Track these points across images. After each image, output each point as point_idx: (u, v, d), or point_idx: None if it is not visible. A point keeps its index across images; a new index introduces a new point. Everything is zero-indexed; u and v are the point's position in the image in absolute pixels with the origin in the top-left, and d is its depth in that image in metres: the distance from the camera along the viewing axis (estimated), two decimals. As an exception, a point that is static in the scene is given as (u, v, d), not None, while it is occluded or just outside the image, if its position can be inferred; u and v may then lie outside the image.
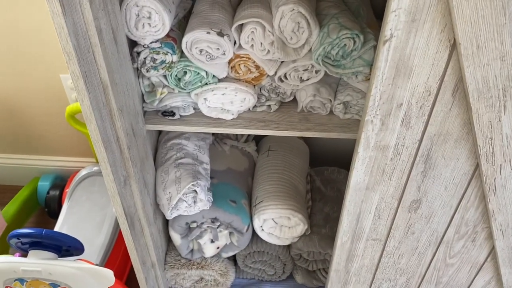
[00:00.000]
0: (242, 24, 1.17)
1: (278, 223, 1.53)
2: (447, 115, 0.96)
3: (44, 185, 2.06)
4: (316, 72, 1.24)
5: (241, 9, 1.20)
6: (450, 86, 0.91)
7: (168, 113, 1.29)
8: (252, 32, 1.16)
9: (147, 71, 1.19)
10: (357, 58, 1.17)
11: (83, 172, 1.89)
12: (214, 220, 1.50)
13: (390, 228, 1.21)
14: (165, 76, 1.24)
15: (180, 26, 1.24)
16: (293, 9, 1.11)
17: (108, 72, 0.99)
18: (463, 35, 0.81)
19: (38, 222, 2.08)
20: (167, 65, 1.18)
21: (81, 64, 0.89)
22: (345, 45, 1.14)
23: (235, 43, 1.19)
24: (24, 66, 1.80)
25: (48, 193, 2.02)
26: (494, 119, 0.93)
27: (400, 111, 0.96)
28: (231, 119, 1.31)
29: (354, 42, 1.13)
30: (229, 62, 1.23)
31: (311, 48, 1.18)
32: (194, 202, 1.43)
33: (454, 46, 0.85)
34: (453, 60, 0.87)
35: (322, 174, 1.77)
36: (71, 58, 0.87)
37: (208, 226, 1.51)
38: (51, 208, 2.01)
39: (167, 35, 1.17)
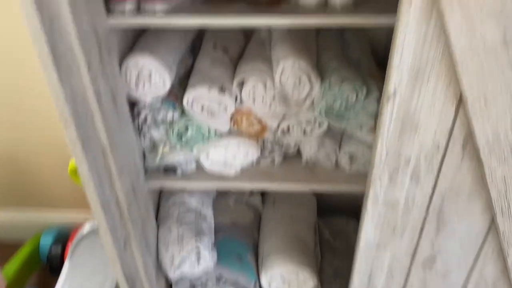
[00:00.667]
0: (243, 80, 1.16)
1: (286, 280, 1.46)
2: (458, 170, 0.92)
3: (46, 241, 2.00)
4: (320, 124, 1.21)
5: (242, 64, 1.19)
6: (459, 140, 0.88)
7: (169, 170, 1.26)
8: (254, 86, 1.15)
9: (148, 130, 1.17)
10: (360, 110, 1.15)
11: (86, 228, 1.84)
12: (219, 278, 1.44)
13: (404, 286, 1.14)
14: (166, 133, 1.22)
15: (182, 83, 1.23)
16: (294, 63, 1.10)
17: (107, 135, 0.97)
18: (469, 90, 0.79)
19: (40, 280, 2.02)
20: (168, 123, 1.17)
21: (79, 129, 0.87)
22: (347, 97, 1.12)
23: (236, 97, 1.18)
24: (26, 118, 1.80)
25: (50, 249, 1.97)
26: (508, 173, 0.89)
27: (408, 166, 0.93)
28: (234, 174, 1.27)
29: (357, 94, 1.12)
30: (231, 116, 1.21)
31: (313, 101, 1.16)
32: (198, 260, 1.37)
33: (461, 100, 0.82)
34: (460, 114, 0.84)
35: (331, 225, 1.71)
36: (68, 124, 0.85)
37: (213, 286, 1.45)
38: (53, 265, 1.95)
39: (168, 93, 1.16)
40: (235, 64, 1.26)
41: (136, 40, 1.17)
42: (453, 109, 0.84)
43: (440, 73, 0.79)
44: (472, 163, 0.91)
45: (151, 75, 1.08)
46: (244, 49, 1.31)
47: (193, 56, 1.29)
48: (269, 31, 1.28)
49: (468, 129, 0.86)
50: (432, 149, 0.90)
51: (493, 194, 0.93)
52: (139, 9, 0.98)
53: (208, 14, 0.96)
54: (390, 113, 0.85)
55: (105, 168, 1.00)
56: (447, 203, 0.98)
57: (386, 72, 0.82)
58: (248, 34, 1.35)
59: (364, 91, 1.11)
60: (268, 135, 1.27)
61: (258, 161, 1.30)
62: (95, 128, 0.95)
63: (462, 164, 0.91)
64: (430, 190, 0.96)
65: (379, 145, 0.90)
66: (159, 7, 0.95)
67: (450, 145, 0.89)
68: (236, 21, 0.95)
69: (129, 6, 0.96)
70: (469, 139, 0.87)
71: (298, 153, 1.33)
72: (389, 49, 0.79)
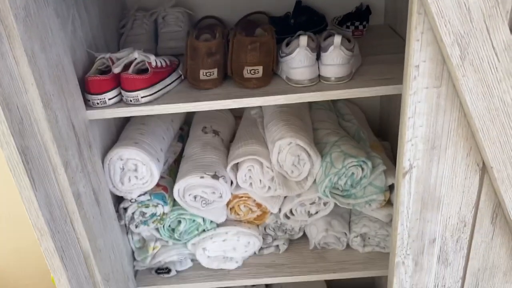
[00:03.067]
0: (238, 163, 1.08)
1: None
2: (490, 246, 0.82)
3: None
4: (325, 204, 1.11)
5: (235, 147, 1.11)
6: (488, 213, 0.78)
7: (162, 270, 1.13)
8: (250, 170, 1.06)
9: (136, 227, 1.06)
10: (367, 186, 1.05)
11: None
12: None
13: None
14: (157, 229, 1.10)
15: (171, 172, 1.14)
16: (291, 143, 1.03)
17: (89, 239, 0.86)
18: (493, 157, 0.70)
19: None
20: (159, 217, 1.05)
21: (55, 238, 0.76)
22: (352, 173, 1.03)
23: (231, 183, 1.08)
24: (2, 226, 1.66)
25: None
26: (547, 245, 0.79)
27: (434, 247, 0.82)
28: (236, 268, 1.14)
29: (362, 169, 1.03)
30: (228, 203, 1.11)
31: (315, 180, 1.07)
32: None
33: (484, 169, 0.74)
34: (485, 184, 0.75)
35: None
36: (43, 233, 0.74)
37: None
38: None
39: (157, 185, 1.06)
40: (227, 146, 1.18)
41: (120, 129, 1.09)
42: (477, 179, 0.75)
43: (458, 141, 0.71)
44: (505, 237, 0.80)
45: (137, 169, 0.99)
46: (235, 128, 1.24)
47: (182, 141, 1.21)
48: (260, 108, 1.22)
49: (496, 200, 0.76)
50: (459, 226, 0.79)
51: (535, 271, 0.81)
52: (120, 99, 0.91)
53: (195, 100, 0.89)
54: (407, 190, 0.76)
55: (90, 277, 0.87)
56: (482, 284, 0.86)
57: (398, 146, 0.74)
58: (237, 111, 1.28)
59: (370, 165, 1.02)
60: (269, 221, 1.15)
61: (261, 250, 1.17)
62: (75, 234, 0.83)
63: (494, 240, 0.81)
64: (461, 272, 0.85)
65: (399, 227, 0.79)
66: (141, 95, 0.88)
67: (478, 219, 0.79)
68: (225, 104, 0.88)
69: (109, 97, 0.89)
70: (499, 211, 0.77)
71: (305, 235, 1.21)
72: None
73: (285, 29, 1.17)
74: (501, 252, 0.82)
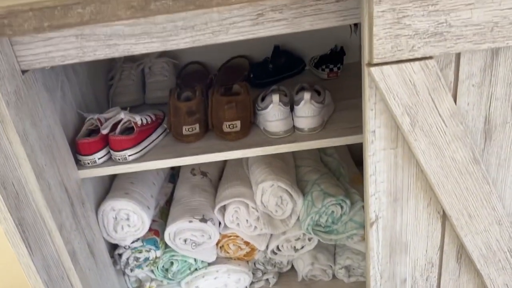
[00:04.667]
0: (225, 205, 1.14)
1: None
2: (458, 284, 0.88)
3: None
4: (309, 239, 1.17)
5: (222, 189, 1.17)
6: (452, 254, 0.84)
7: (159, 309, 1.19)
8: (236, 211, 1.12)
9: (131, 271, 1.12)
10: (348, 221, 1.12)
11: None
12: None
13: None
14: (151, 270, 1.17)
15: (162, 214, 1.20)
16: (273, 185, 1.09)
17: (86, 292, 0.92)
18: (451, 208, 0.77)
19: None
20: (151, 261, 1.12)
21: (53, 297, 0.82)
22: (332, 211, 1.09)
23: (220, 224, 1.15)
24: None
25: None
26: (510, 281, 0.84)
27: (406, 286, 0.88)
28: (228, 304, 1.20)
29: (342, 207, 1.09)
30: (217, 243, 1.17)
31: (299, 217, 1.13)
32: None
33: (445, 216, 0.80)
34: (448, 229, 0.81)
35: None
36: (42, 295, 0.80)
37: None
38: None
39: (149, 229, 1.12)
40: (215, 185, 1.24)
41: (113, 178, 1.16)
42: (439, 225, 0.81)
43: (418, 193, 0.78)
44: (471, 275, 0.86)
45: (129, 218, 1.05)
46: (223, 167, 1.31)
47: (174, 181, 1.28)
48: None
49: (459, 242, 0.82)
50: (427, 267, 0.85)
51: (500, 304, 0.87)
52: (110, 157, 0.97)
53: (178, 155, 0.95)
54: (376, 238, 0.82)
55: (87, 327, 0.94)
56: (454, 318, 0.92)
57: (364, 199, 0.80)
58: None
59: (348, 203, 1.08)
60: (258, 256, 1.22)
61: (252, 284, 1.23)
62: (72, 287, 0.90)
63: (461, 277, 0.87)
64: (434, 308, 0.90)
65: (371, 270, 0.85)
66: (129, 154, 0.95)
67: (444, 260, 0.85)
68: (207, 158, 0.95)
69: (99, 157, 0.96)
70: (463, 252, 0.83)
71: (293, 267, 1.27)
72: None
73: (264, 73, 1.24)
74: (469, 288, 0.88)
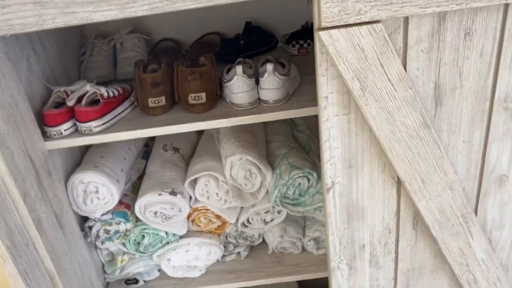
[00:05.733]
0: (195, 178, 1.15)
1: None
2: (415, 249, 0.90)
3: None
4: (279, 212, 1.20)
5: (193, 164, 1.19)
6: (409, 220, 0.87)
7: (131, 281, 1.21)
8: (206, 184, 1.14)
9: (102, 244, 1.14)
10: (315, 194, 1.14)
11: None
12: None
13: None
14: (123, 243, 1.18)
15: (135, 189, 1.21)
16: (241, 158, 1.10)
17: (53, 260, 0.93)
18: (404, 173, 0.79)
19: None
20: (122, 234, 1.14)
21: (18, 263, 0.84)
22: (299, 184, 1.11)
23: (190, 198, 1.16)
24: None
25: None
26: (464, 246, 0.87)
27: (364, 252, 0.90)
28: (200, 276, 1.22)
29: (308, 180, 1.11)
30: (188, 216, 1.19)
31: (268, 191, 1.15)
32: None
33: (399, 181, 0.82)
34: (403, 195, 0.84)
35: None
36: (6, 260, 0.82)
37: None
38: None
39: (120, 203, 1.13)
40: (188, 161, 1.25)
41: (85, 152, 1.17)
42: (394, 191, 0.83)
43: (372, 159, 0.80)
44: (427, 241, 0.89)
45: (98, 191, 1.07)
46: (196, 143, 1.32)
47: (147, 157, 1.29)
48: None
49: (414, 208, 0.85)
50: (384, 233, 0.88)
51: (456, 269, 0.90)
52: (76, 129, 0.98)
53: (144, 126, 0.97)
54: (333, 203, 0.84)
55: (55, 296, 0.95)
56: (413, 283, 0.95)
57: (321, 165, 0.82)
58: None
59: (315, 176, 1.10)
60: (229, 230, 1.24)
61: (223, 257, 1.26)
62: (39, 257, 0.91)
63: (418, 243, 0.89)
64: (392, 273, 0.93)
65: (330, 236, 0.88)
66: (94, 125, 0.96)
67: (401, 226, 0.87)
68: (171, 129, 0.96)
69: (65, 128, 0.97)
70: (418, 217, 0.86)
71: (265, 241, 1.29)
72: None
73: (235, 49, 1.25)
74: (426, 254, 0.91)
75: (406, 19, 0.67)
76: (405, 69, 0.71)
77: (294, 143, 1.23)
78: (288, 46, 1.26)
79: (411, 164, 0.78)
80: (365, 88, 0.70)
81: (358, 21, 0.65)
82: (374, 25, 0.66)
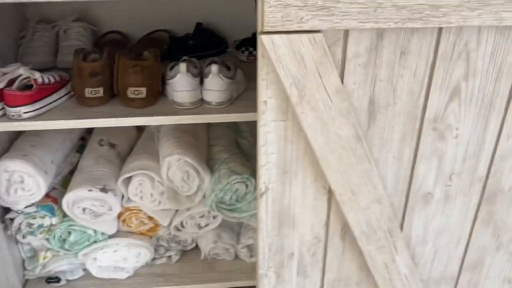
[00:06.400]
0: (130, 177, 1.12)
1: None
2: (342, 260, 0.92)
3: None
4: (214, 217, 1.18)
5: (128, 162, 1.15)
6: (337, 231, 0.88)
7: (52, 279, 1.15)
8: (140, 184, 1.11)
9: (23, 237, 1.07)
10: (252, 201, 1.13)
11: None
12: None
13: None
14: (47, 239, 1.12)
15: (65, 182, 1.16)
16: (180, 159, 1.08)
17: (-38, 252, 0.87)
18: (335, 183, 0.80)
19: None
20: (46, 228, 1.08)
21: None
22: (237, 189, 1.11)
23: (123, 196, 1.12)
24: None
25: None
26: (388, 260, 0.89)
27: (292, 261, 0.90)
28: (127, 278, 1.18)
29: (247, 186, 1.11)
30: (119, 216, 1.15)
31: (205, 195, 1.13)
32: None
33: (330, 191, 0.83)
34: (333, 205, 0.85)
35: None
36: None
37: None
38: None
39: (47, 196, 1.08)
40: (124, 159, 1.21)
41: (13, 140, 1.10)
42: (325, 200, 0.84)
43: (306, 167, 0.80)
44: (354, 253, 0.90)
45: (24, 181, 1.01)
46: (135, 143, 1.28)
47: (81, 153, 1.24)
48: (159, 124, 1.27)
49: (343, 219, 0.86)
50: (313, 242, 0.89)
51: (379, 282, 0.92)
52: (4, 114, 0.93)
53: (77, 117, 0.93)
54: (265, 209, 0.84)
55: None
56: (338, 294, 0.96)
57: (257, 170, 0.82)
58: (141, 127, 1.33)
59: (254, 182, 1.10)
60: (162, 233, 1.20)
61: (153, 260, 1.22)
62: None
63: (345, 254, 0.91)
64: (319, 283, 0.94)
65: (260, 241, 0.87)
66: (24, 111, 0.90)
67: (330, 236, 0.88)
68: (106, 122, 0.93)
69: (-8, 111, 0.91)
70: (347, 229, 0.87)
71: (197, 246, 1.27)
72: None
73: (184, 49, 1.23)
74: (352, 265, 0.92)
75: (346, 33, 0.69)
76: (342, 82, 0.72)
77: (236, 149, 1.23)
78: (238, 52, 1.26)
79: (342, 175, 0.79)
80: (303, 96, 0.71)
81: (299, 29, 0.66)
82: (315, 34, 0.67)
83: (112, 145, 1.20)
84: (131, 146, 1.26)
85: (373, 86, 0.74)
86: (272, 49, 0.67)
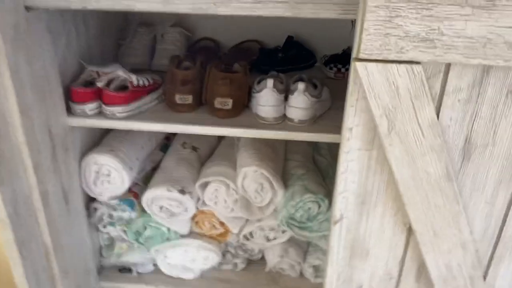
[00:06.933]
0: (207, 181, 1.14)
1: None
2: (414, 301, 0.86)
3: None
4: (283, 232, 1.17)
5: (207, 166, 1.18)
6: (412, 271, 0.83)
7: (125, 269, 1.21)
8: (216, 189, 1.13)
9: (104, 227, 1.14)
10: (324, 221, 1.11)
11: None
12: None
13: None
14: (124, 231, 1.18)
15: (147, 179, 1.21)
16: (256, 171, 1.09)
17: (52, 236, 0.94)
18: (416, 221, 0.75)
19: None
20: (125, 222, 1.14)
21: (16, 231, 0.84)
22: (309, 208, 1.09)
23: (198, 199, 1.15)
24: None
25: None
26: (466, 309, 0.83)
27: (361, 293, 0.87)
28: (193, 279, 1.21)
29: (319, 205, 1.09)
30: (193, 217, 1.18)
31: (276, 208, 1.13)
32: None
33: (410, 229, 0.79)
34: (411, 243, 0.80)
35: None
36: (5, 226, 0.83)
37: None
38: None
39: (129, 190, 1.14)
40: (203, 163, 1.25)
41: (104, 135, 1.18)
42: (403, 237, 0.80)
43: (386, 201, 0.77)
44: (428, 295, 0.85)
45: (110, 174, 1.07)
46: (216, 146, 1.31)
47: (166, 151, 1.29)
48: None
49: (421, 260, 0.81)
50: (385, 278, 0.84)
51: (453, 331, 0.86)
52: (100, 111, 0.99)
53: (165, 121, 0.96)
54: (338, 236, 0.81)
55: (48, 270, 0.96)
56: (405, 335, 0.90)
57: (332, 197, 0.80)
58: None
59: (327, 203, 1.08)
60: (231, 239, 1.22)
61: (220, 264, 1.24)
62: (38, 229, 0.92)
63: (418, 296, 0.86)
64: (386, 320, 0.89)
65: (329, 268, 0.85)
66: (119, 111, 0.96)
67: (403, 275, 0.84)
68: (191, 129, 0.95)
69: (90, 108, 0.97)
70: (423, 270, 0.82)
71: (263, 259, 1.27)
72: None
73: (273, 61, 1.24)
74: (425, 308, 0.87)
75: (448, 66, 0.65)
76: (438, 116, 0.68)
77: (312, 165, 1.21)
78: (326, 68, 1.24)
79: (426, 214, 0.74)
80: (393, 127, 0.68)
81: (397, 59, 0.63)
82: (414, 66, 0.63)
83: (194, 149, 1.24)
84: (212, 151, 1.29)
85: (471, 124, 0.69)
86: (365, 76, 0.65)
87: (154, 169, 1.24)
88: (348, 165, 0.74)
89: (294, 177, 1.14)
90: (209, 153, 1.29)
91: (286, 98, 0.98)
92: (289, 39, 1.27)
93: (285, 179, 1.15)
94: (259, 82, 1.00)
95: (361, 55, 0.63)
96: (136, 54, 1.24)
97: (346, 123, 0.71)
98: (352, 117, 0.70)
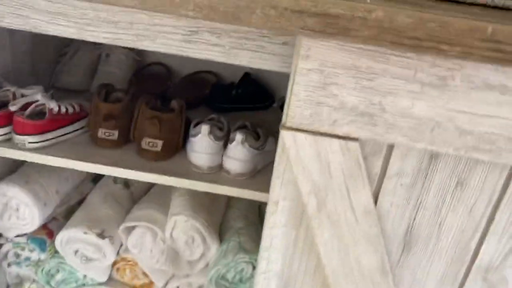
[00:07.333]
0: (133, 226, 1.02)
1: None
2: None
3: None
4: (213, 291, 1.05)
5: (137, 208, 1.05)
6: None
7: (31, 316, 1.06)
8: (141, 236, 1.00)
9: (8, 266, 1.00)
10: (258, 284, 0.99)
11: None
12: None
13: None
14: (35, 271, 1.04)
15: (68, 214, 1.08)
16: (187, 221, 0.97)
17: None
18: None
19: None
20: (33, 263, 1.00)
21: None
22: (242, 269, 0.97)
23: (122, 244, 1.02)
24: None
25: None
26: None
27: None
28: (108, 332, 1.07)
29: (254, 267, 0.97)
30: (114, 263, 1.05)
31: (207, 264, 1.01)
32: None
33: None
34: (340, 336, 0.69)
35: None
36: None
37: None
38: None
39: (43, 227, 1.00)
40: (136, 201, 1.12)
41: (24, 161, 1.04)
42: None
43: (314, 287, 0.66)
44: None
45: (19, 209, 0.94)
46: (151, 186, 1.18)
47: (95, 184, 1.16)
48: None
49: None
50: None
51: None
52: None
53: (82, 159, 0.84)
54: (256, 320, 0.69)
55: None
56: None
57: (254, 278, 0.68)
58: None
59: (263, 265, 0.96)
60: (156, 291, 1.09)
61: (141, 318, 1.10)
62: None
63: None
64: None
65: None
66: (29, 141, 0.83)
67: None
68: (111, 171, 0.83)
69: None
70: None
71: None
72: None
73: (226, 98, 1.14)
74: None
75: (391, 147, 0.55)
76: (376, 201, 0.58)
77: (255, 217, 1.10)
78: (281, 111, 1.14)
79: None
80: (322, 208, 0.57)
81: (330, 132, 0.53)
82: (349, 142, 0.53)
83: (126, 185, 1.12)
84: (149, 188, 1.17)
85: (414, 213, 0.59)
86: (293, 147, 0.54)
87: (81, 202, 1.11)
88: (271, 242, 0.63)
89: (232, 230, 1.02)
90: (144, 190, 1.16)
91: (226, 146, 0.87)
92: (246, 76, 1.17)
93: (223, 231, 1.03)
94: (196, 125, 0.89)
95: (289, 123, 0.53)
96: (76, 73, 1.12)
97: (271, 196, 0.60)
98: (278, 189, 0.60)
